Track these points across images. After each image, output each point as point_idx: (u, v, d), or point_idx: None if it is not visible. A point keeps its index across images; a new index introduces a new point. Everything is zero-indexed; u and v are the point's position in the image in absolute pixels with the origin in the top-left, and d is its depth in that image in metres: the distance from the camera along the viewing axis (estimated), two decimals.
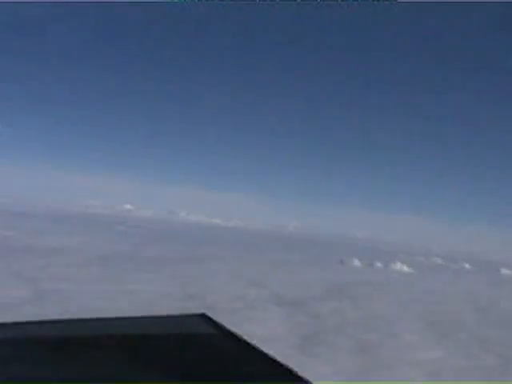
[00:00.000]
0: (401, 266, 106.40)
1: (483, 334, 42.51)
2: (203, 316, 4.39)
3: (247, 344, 3.69)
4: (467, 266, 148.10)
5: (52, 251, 67.43)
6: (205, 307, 38.01)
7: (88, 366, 3.06)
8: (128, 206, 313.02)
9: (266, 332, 34.11)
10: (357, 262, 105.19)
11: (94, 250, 75.00)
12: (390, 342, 36.03)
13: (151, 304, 39.77)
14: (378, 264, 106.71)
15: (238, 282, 57.64)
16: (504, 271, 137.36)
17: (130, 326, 4.04)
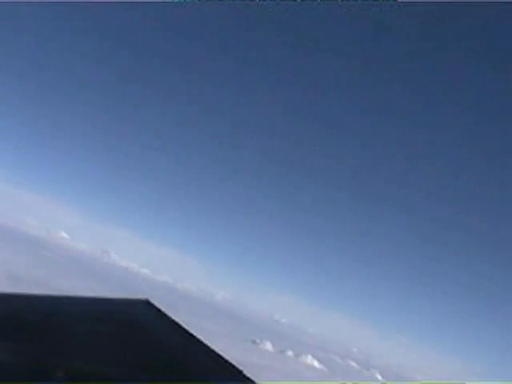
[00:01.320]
0: (312, 360, 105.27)
1: None
2: (146, 302, 4.98)
3: (189, 334, 3.90)
4: (379, 376, 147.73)
5: None
6: None
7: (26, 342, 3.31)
8: (64, 234, 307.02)
9: None
10: (269, 346, 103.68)
11: (8, 267, 72.59)
12: None
13: None
14: (290, 353, 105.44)
15: None
16: None
17: (74, 304, 4.59)
